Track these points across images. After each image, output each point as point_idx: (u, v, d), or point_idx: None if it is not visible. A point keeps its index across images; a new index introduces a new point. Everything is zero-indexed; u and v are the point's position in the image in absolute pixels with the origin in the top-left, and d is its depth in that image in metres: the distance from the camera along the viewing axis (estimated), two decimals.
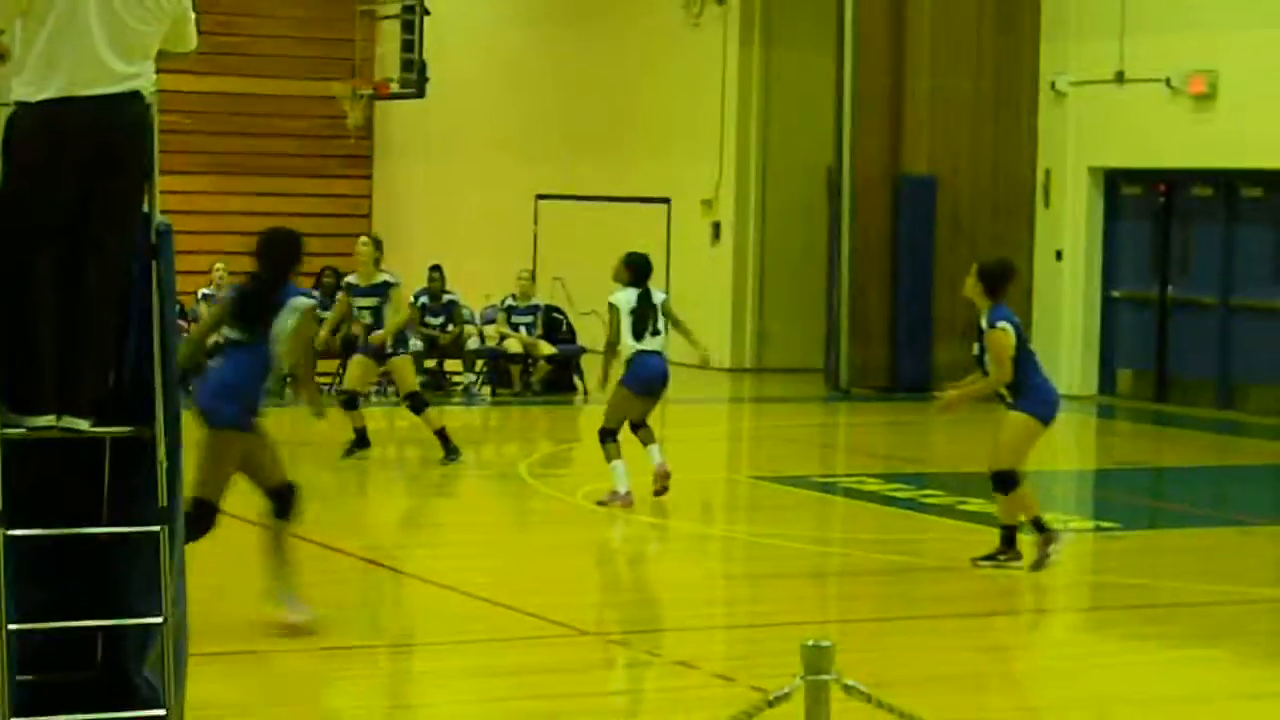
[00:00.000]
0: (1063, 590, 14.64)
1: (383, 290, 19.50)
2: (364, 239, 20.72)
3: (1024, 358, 14.17)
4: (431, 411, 19.55)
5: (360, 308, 19.58)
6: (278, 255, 12.35)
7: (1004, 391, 14.18)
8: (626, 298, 17.02)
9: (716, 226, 30.89)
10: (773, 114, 30.82)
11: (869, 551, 15.61)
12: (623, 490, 17.00)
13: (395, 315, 19.33)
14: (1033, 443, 14.39)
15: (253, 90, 36.14)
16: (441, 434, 19.35)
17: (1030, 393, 14.24)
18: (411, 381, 19.91)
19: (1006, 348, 14.00)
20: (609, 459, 17.06)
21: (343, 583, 14.16)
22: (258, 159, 37.34)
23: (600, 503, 17.19)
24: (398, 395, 20.42)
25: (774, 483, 19.40)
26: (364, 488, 19.22)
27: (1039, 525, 14.31)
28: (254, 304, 12.17)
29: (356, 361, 19.83)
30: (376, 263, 19.79)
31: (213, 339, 13.78)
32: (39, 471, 7.65)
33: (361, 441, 19.45)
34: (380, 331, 19.25)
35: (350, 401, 19.47)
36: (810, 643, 6.65)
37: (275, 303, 12.00)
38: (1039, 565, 14.26)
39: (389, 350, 19.38)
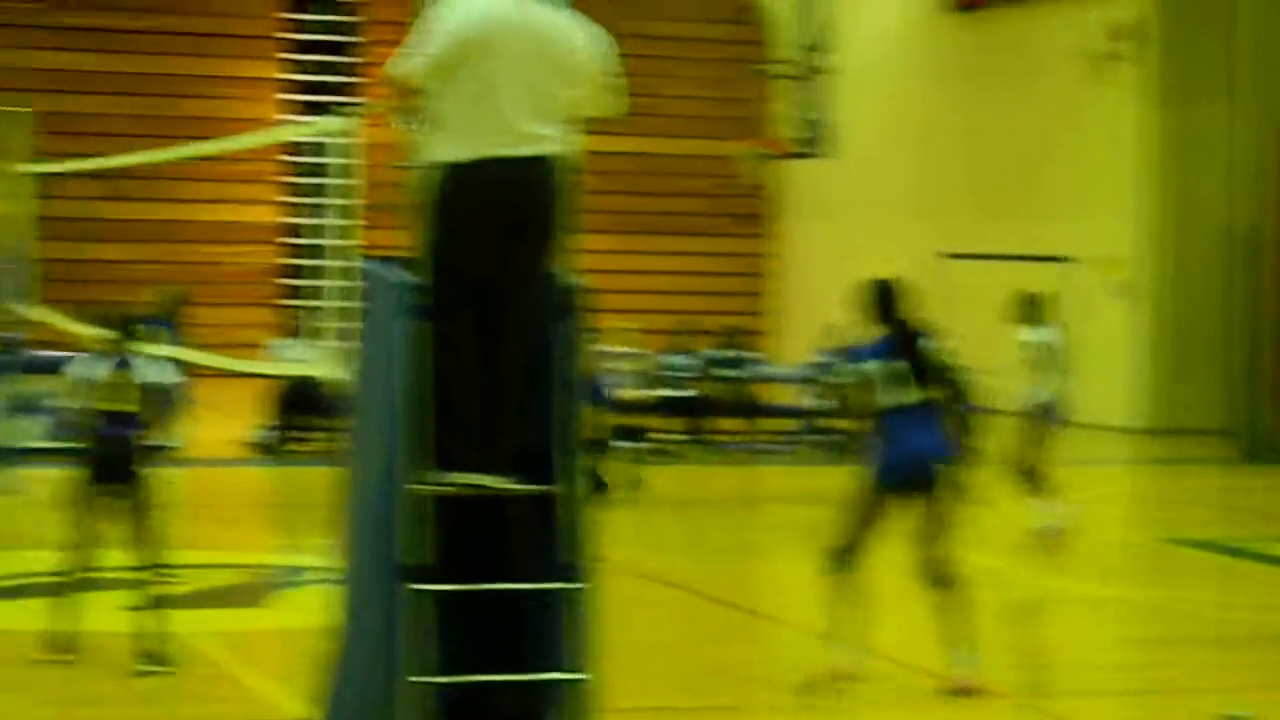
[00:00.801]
0: None
1: None
2: None
3: None
4: None
5: None
6: (894, 304, 12.00)
7: None
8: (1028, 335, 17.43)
9: (1122, 285, 30.55)
10: (1180, 171, 30.48)
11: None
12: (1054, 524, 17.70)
13: None
14: None
15: (656, 150, 36.65)
16: None
17: None
18: None
19: None
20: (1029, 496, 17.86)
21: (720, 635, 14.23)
22: (661, 218, 37.84)
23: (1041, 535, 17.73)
24: None
25: (1179, 545, 19.08)
26: None
27: None
28: (910, 358, 11.85)
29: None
30: None
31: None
32: (461, 527, 7.86)
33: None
34: None
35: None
36: (1229, 713, 6.51)
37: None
38: None
39: None
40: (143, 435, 11.97)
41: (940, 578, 11.78)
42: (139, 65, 37.19)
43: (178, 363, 19.36)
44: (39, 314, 22.12)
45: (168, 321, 19.99)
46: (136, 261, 35.78)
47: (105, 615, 12.21)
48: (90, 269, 34.40)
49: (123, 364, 11.91)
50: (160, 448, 12.40)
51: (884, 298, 11.97)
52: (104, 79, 37.04)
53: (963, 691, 11.64)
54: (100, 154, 24.46)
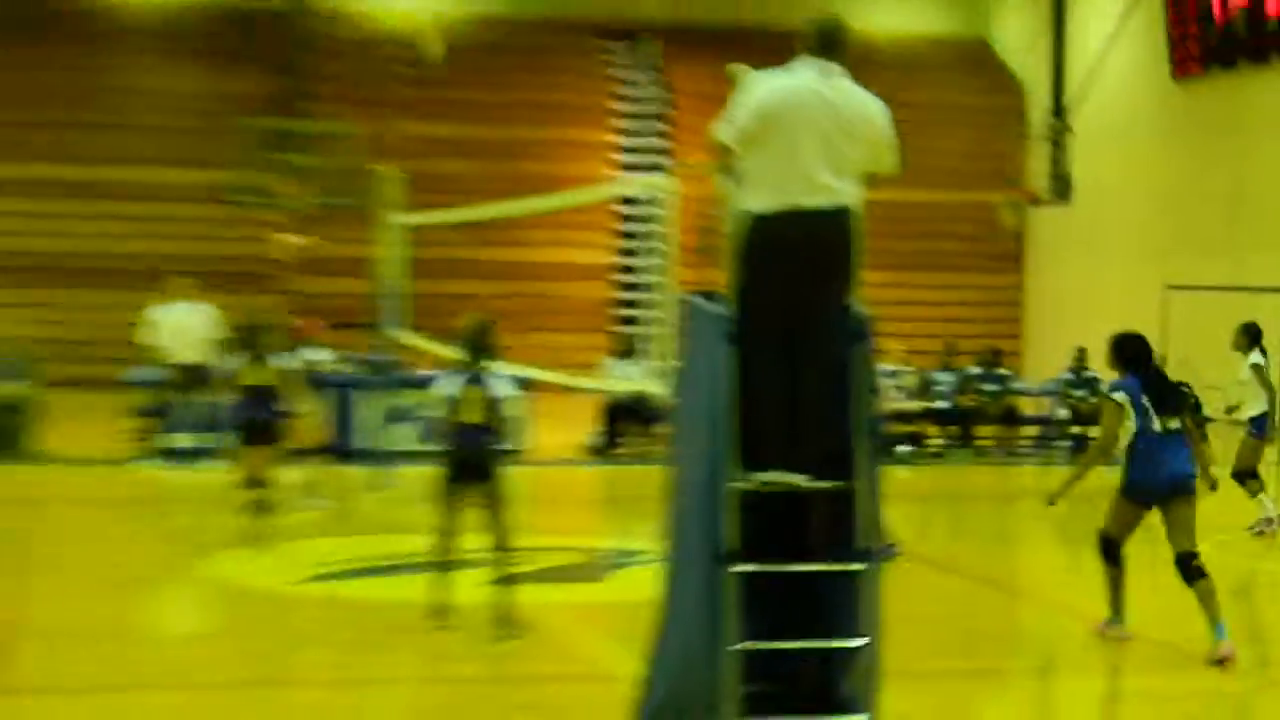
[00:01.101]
0: None
1: None
2: None
3: None
4: None
5: None
6: (1143, 352, 12.03)
7: None
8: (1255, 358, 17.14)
9: None
10: None
11: None
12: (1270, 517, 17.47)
13: None
14: None
15: (926, 200, 36.44)
16: None
17: None
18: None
19: None
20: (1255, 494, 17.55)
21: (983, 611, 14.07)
22: (930, 257, 37.64)
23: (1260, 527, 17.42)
24: None
25: None
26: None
27: None
28: (1157, 392, 11.84)
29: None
30: None
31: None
32: (765, 519, 7.87)
33: None
34: None
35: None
36: None
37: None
38: None
39: None
40: (493, 441, 12.13)
41: (1192, 570, 11.62)
42: (492, 133, 37.78)
43: (518, 379, 19.67)
44: (410, 339, 22.52)
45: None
46: (491, 296, 36.32)
47: (468, 589, 12.38)
48: (452, 303, 34.87)
49: (475, 381, 12.09)
50: (508, 451, 12.57)
51: (1132, 346, 12.04)
52: (463, 145, 37.66)
53: (1220, 661, 11.41)
54: (460, 206, 24.86)
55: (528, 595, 13.15)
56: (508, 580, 12.15)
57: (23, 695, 10.37)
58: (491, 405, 12.16)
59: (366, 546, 16.11)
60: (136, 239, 35.07)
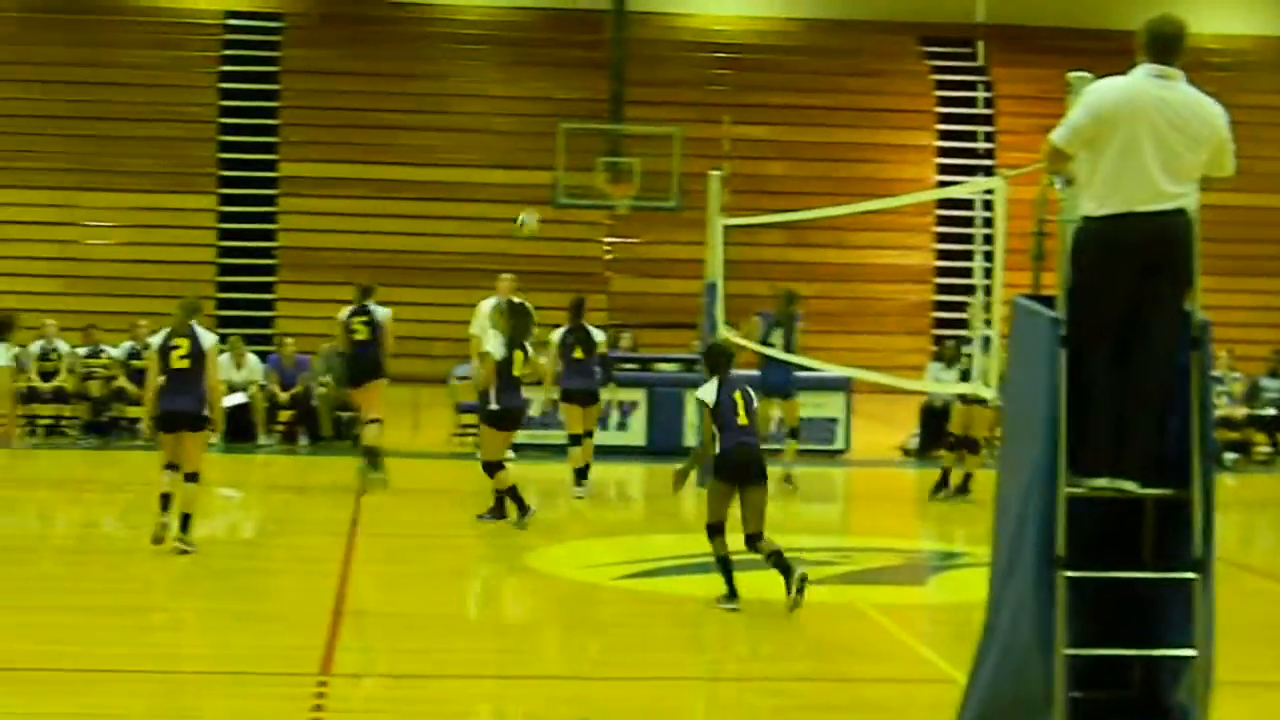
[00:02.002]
0: None
1: None
2: None
3: None
4: None
5: None
6: None
7: None
8: None
9: None
10: None
11: None
12: None
13: None
14: None
15: (1252, 203, 35.48)
16: None
17: None
18: None
19: None
20: None
21: None
22: (1253, 262, 36.75)
23: None
24: None
25: None
26: None
27: None
28: None
29: None
30: None
31: None
32: (1095, 524, 7.77)
33: None
34: None
35: None
36: None
37: None
38: None
39: None
40: (759, 443, 12.82)
41: None
42: (816, 135, 37.80)
43: (793, 367, 19.68)
44: (733, 339, 22.62)
45: (781, 321, 20.27)
46: (811, 297, 36.34)
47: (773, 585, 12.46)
48: (770, 304, 35.01)
49: (739, 388, 12.80)
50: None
51: None
52: (785, 147, 37.74)
53: None
54: (783, 209, 24.91)
55: (852, 595, 13.15)
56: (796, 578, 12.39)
57: (361, 679, 10.68)
58: (754, 411, 12.80)
59: (686, 543, 16.25)
60: (467, 239, 35.82)
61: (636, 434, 22.94)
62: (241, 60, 38.06)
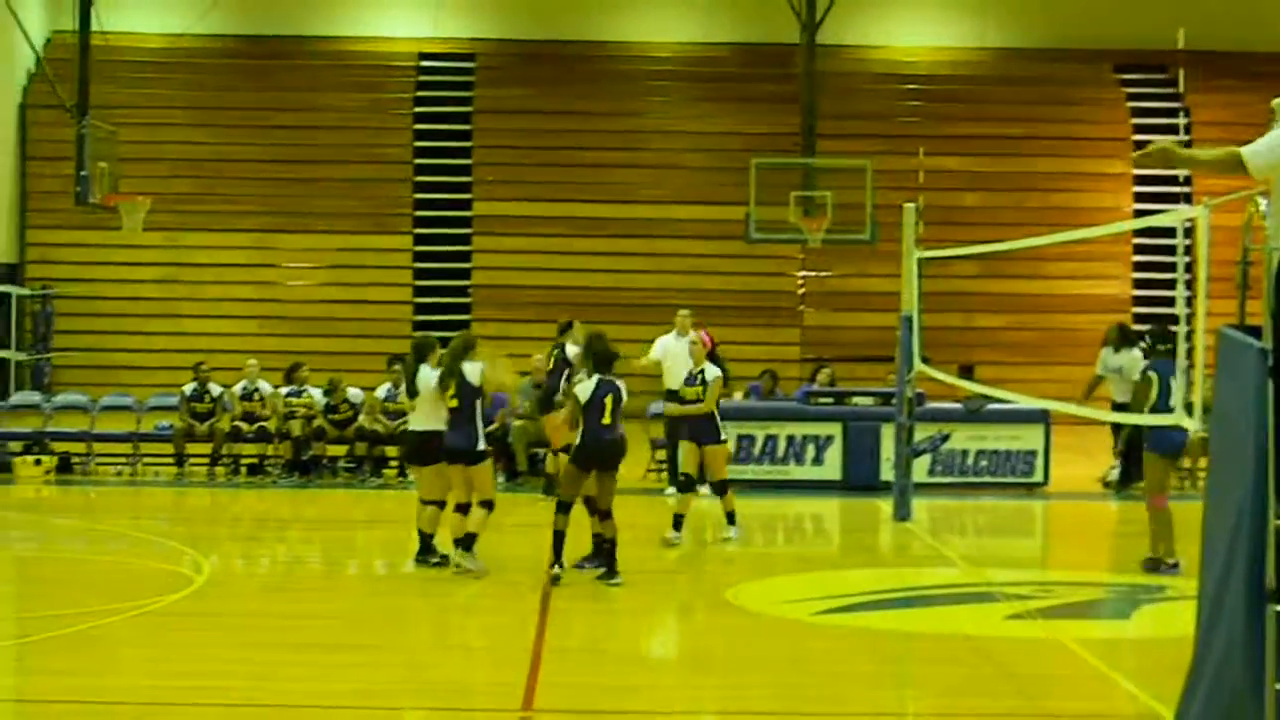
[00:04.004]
0: None
1: None
2: None
3: None
4: None
5: None
6: None
7: None
8: None
9: None
10: None
11: None
12: None
13: None
14: None
15: None
16: None
17: None
18: None
19: None
20: None
21: None
22: None
23: None
24: None
25: None
26: None
27: None
28: None
29: None
30: None
31: None
32: None
33: None
34: None
35: None
36: None
37: None
38: None
39: None
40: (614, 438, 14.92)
41: None
42: (1009, 165, 37.53)
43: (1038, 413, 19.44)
44: (928, 372, 22.51)
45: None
46: (1007, 329, 36.08)
47: (992, 622, 12.34)
48: (970, 335, 34.82)
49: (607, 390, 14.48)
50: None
51: None
52: (979, 177, 37.50)
53: None
54: (977, 240, 24.77)
55: (1053, 630, 13.02)
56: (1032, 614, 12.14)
57: (543, 715, 10.75)
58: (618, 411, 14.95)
59: (884, 578, 16.18)
60: (660, 274, 35.98)
61: (832, 468, 22.87)
62: (435, 101, 38.60)
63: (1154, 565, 15.87)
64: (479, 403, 15.59)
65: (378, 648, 12.77)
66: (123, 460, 24.38)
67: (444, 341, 16.33)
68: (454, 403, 15.49)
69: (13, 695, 11.36)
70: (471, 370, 15.50)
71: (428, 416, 15.77)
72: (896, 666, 12.34)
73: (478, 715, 10.65)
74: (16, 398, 27.34)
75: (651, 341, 21.96)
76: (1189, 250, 23.23)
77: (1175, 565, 15.64)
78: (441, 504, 15.82)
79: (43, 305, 36.25)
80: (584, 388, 14.98)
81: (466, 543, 15.37)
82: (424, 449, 15.85)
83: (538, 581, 15.16)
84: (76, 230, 35.95)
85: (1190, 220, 13.19)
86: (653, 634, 13.69)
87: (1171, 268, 35.45)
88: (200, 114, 37.82)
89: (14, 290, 35.73)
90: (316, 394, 24.26)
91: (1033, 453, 23.14)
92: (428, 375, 15.73)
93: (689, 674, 12.17)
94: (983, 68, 39.40)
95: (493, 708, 10.73)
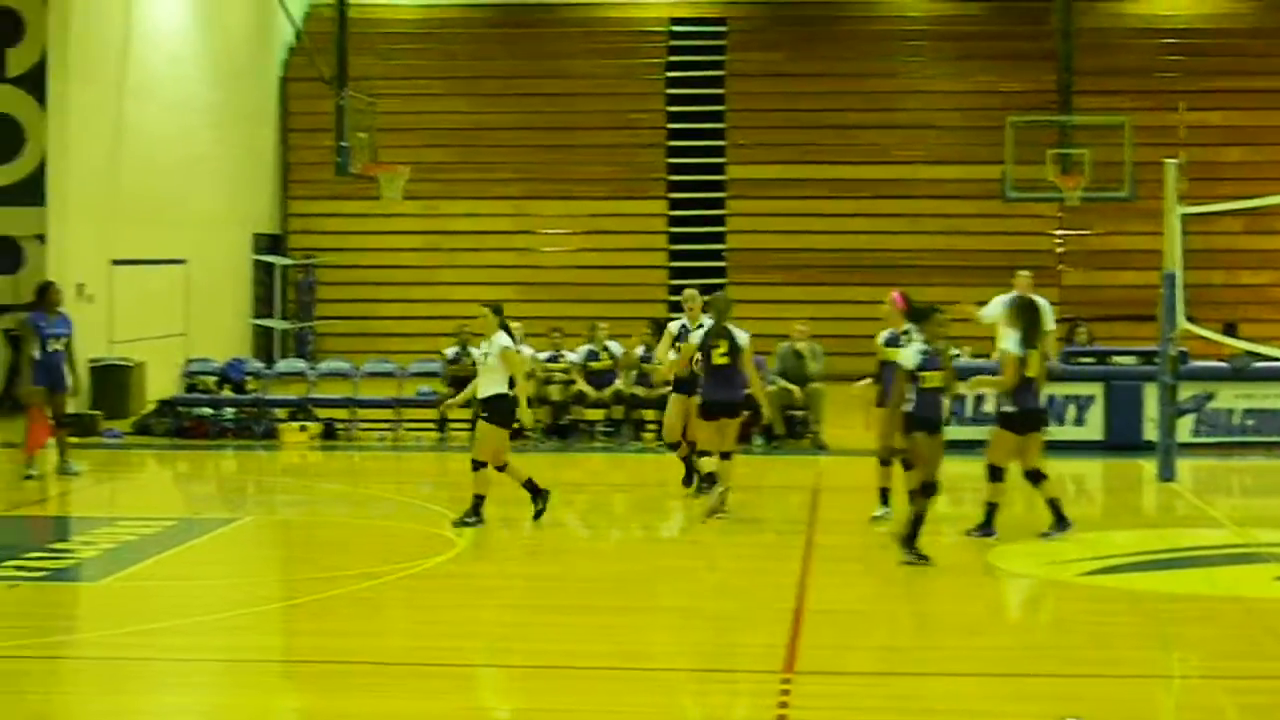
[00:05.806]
0: None
1: None
2: None
3: None
4: None
5: None
6: None
7: None
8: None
9: None
10: None
11: None
12: None
13: None
14: None
15: None
16: None
17: None
18: None
19: None
20: None
21: None
22: None
23: None
24: None
25: None
26: None
27: None
28: None
29: None
30: None
31: None
32: None
33: None
34: None
35: None
36: None
37: None
38: None
39: None
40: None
41: None
42: (1273, 119, 36.51)
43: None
44: (1192, 331, 22.05)
45: None
46: (1272, 285, 35.18)
47: (1261, 583, 12.06)
48: (1233, 292, 34.03)
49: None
50: None
51: None
52: (1241, 132, 36.58)
53: None
54: (1240, 196, 24.18)
55: None
56: None
57: (806, 678, 10.71)
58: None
59: (1148, 539, 15.88)
60: (915, 234, 35.71)
61: (1094, 429, 22.47)
62: (687, 66, 38.61)
63: None
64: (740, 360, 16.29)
65: (637, 609, 12.85)
66: (384, 426, 24.82)
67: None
68: (725, 360, 16.08)
69: (282, 655, 11.64)
70: (740, 331, 16.12)
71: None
72: (1163, 628, 12.11)
73: (739, 677, 10.66)
74: (282, 365, 27.93)
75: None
76: None
77: None
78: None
79: (305, 274, 37.00)
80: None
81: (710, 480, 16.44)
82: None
83: (797, 543, 15.11)
84: (337, 200, 36.63)
85: None
86: (913, 595, 13.58)
87: None
88: (455, 83, 38.27)
89: (278, 260, 36.52)
90: (574, 357, 24.45)
91: None
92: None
93: (952, 636, 12.06)
94: (1244, 19, 38.34)
95: (755, 669, 10.72)
